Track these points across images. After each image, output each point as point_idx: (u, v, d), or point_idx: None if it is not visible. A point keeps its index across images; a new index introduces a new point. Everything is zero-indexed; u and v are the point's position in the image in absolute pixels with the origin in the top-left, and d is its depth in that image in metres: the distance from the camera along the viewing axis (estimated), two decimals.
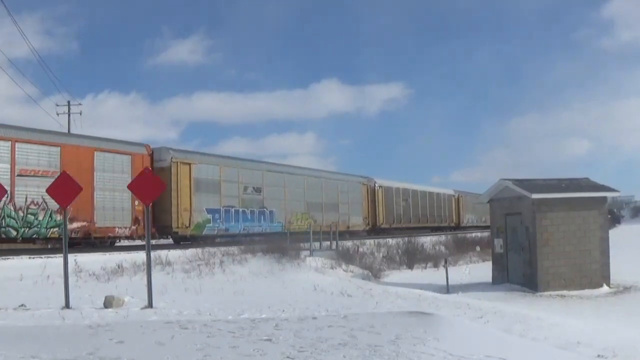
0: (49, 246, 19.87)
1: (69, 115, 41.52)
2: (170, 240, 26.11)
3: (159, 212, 23.47)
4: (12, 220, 18.82)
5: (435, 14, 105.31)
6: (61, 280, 11.25)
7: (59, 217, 19.19)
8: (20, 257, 16.85)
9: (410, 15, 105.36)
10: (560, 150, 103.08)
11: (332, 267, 19.09)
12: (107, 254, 18.57)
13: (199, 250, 19.61)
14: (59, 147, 20.38)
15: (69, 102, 41.98)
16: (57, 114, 41.47)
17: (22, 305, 10.72)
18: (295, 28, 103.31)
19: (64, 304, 10.69)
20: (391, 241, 28.03)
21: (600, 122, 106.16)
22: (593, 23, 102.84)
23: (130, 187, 11.82)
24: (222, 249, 20.31)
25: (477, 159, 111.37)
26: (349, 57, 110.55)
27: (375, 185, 40.67)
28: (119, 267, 15.82)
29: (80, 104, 42.39)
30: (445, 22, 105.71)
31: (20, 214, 19.09)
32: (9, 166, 18.86)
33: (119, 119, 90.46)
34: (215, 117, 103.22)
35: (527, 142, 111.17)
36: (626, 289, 16.92)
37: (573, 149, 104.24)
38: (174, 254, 18.52)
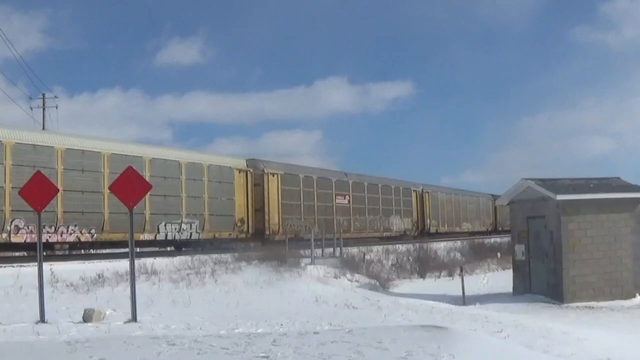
0: None
1: (43, 109, 41.62)
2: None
3: None
4: None
5: (441, 14, 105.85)
6: (35, 292, 11.26)
7: None
8: None
9: (418, 15, 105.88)
10: (577, 149, 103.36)
11: (335, 277, 19.10)
12: (87, 262, 18.59)
13: (188, 258, 19.64)
14: None
15: (43, 95, 42.13)
16: (31, 108, 41.59)
17: None
18: (297, 26, 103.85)
19: (38, 318, 10.70)
20: (401, 247, 28.04)
21: (618, 120, 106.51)
22: (598, 20, 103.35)
23: (112, 188, 11.82)
24: (214, 256, 20.34)
25: (487, 160, 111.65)
26: (353, 55, 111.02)
27: None
28: (99, 276, 15.83)
29: (56, 97, 42.49)
30: (452, 24, 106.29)
31: None
32: None
33: (114, 118, 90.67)
34: (215, 116, 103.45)
35: (539, 141, 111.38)
36: None
37: (590, 148, 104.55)
38: (161, 262, 18.55)
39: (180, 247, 26.42)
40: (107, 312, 11.36)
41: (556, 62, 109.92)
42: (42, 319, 10.68)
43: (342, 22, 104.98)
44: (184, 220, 25.60)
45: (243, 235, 28.66)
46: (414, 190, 44.61)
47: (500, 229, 56.27)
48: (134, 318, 10.78)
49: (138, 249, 24.92)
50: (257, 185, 29.86)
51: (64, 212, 21.12)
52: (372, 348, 8.05)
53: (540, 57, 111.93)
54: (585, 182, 18.15)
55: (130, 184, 11.29)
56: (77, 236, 21.77)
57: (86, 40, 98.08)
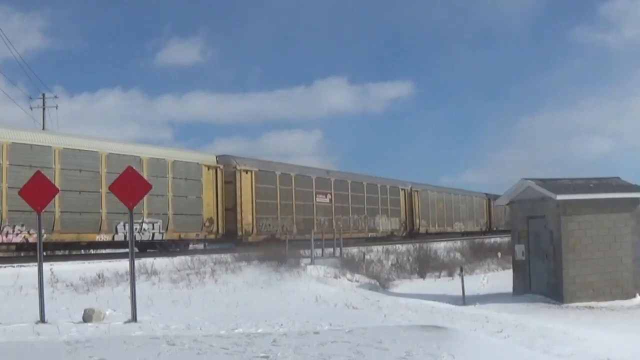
0: None
1: (43, 109, 41.68)
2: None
3: None
4: None
5: (441, 14, 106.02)
6: (35, 292, 11.26)
7: None
8: None
9: (418, 15, 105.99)
10: (577, 149, 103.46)
11: (335, 277, 19.11)
12: (87, 262, 18.59)
13: (188, 258, 19.64)
14: None
15: (43, 95, 42.16)
16: (31, 108, 41.66)
17: None
18: (297, 26, 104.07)
19: (38, 318, 10.70)
20: (401, 247, 28.03)
21: (618, 120, 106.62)
22: (598, 20, 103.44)
23: (112, 188, 11.82)
24: (214, 256, 20.35)
25: (487, 160, 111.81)
26: (352, 55, 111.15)
27: None
28: (99, 277, 15.84)
29: (56, 97, 42.55)
30: (451, 24, 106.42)
31: None
32: None
33: (114, 118, 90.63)
34: (215, 116, 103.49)
35: (539, 141, 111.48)
36: None
37: (590, 148, 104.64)
38: (161, 262, 18.55)
39: (144, 249, 24.61)
40: (107, 312, 11.36)
41: (556, 62, 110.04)
42: (42, 319, 10.68)
43: (342, 22, 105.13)
44: (145, 220, 23.65)
45: (212, 236, 27.04)
46: (402, 189, 42.69)
47: (495, 229, 54.88)
48: (134, 318, 10.78)
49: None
50: (229, 182, 27.82)
51: (9, 210, 19.30)
52: (372, 348, 8.05)
53: (540, 57, 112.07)
54: (585, 182, 18.16)
55: (130, 184, 11.30)
56: (24, 237, 19.90)
57: (86, 40, 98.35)
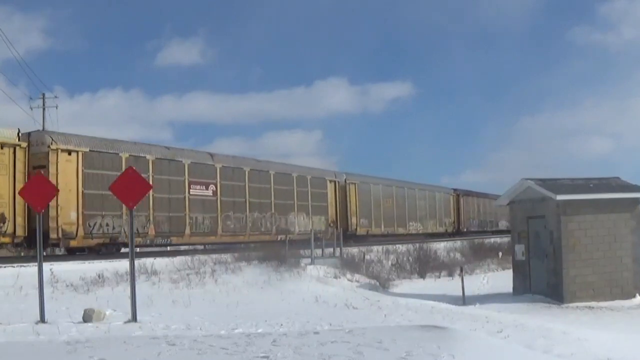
0: None
1: (43, 109, 41.73)
2: None
3: None
4: None
5: (440, 15, 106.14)
6: (35, 292, 11.27)
7: None
8: None
9: (418, 16, 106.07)
10: (577, 149, 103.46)
11: (335, 277, 19.10)
12: (87, 262, 18.59)
13: (188, 258, 19.64)
14: None
15: (43, 95, 42.21)
16: (31, 108, 41.69)
17: None
18: (297, 27, 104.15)
19: (38, 318, 10.71)
20: (401, 247, 28.05)
21: (618, 120, 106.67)
22: (597, 21, 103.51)
23: (112, 188, 11.82)
24: (214, 256, 20.35)
25: (487, 160, 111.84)
26: (352, 56, 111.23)
27: None
28: (99, 277, 15.84)
29: (56, 97, 42.57)
30: (451, 24, 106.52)
31: None
32: None
33: (114, 118, 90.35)
34: (215, 116, 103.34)
35: (539, 141, 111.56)
36: None
37: (590, 148, 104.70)
38: (161, 262, 18.55)
39: None
40: (107, 312, 11.36)
41: (556, 62, 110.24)
42: (42, 319, 10.69)
43: (342, 22, 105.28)
44: None
45: (6, 240, 20.35)
46: (330, 181, 35.47)
47: (465, 230, 48.91)
48: (134, 318, 10.78)
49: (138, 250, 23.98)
50: (40, 167, 20.83)
51: None
52: (372, 348, 8.05)
53: (540, 57, 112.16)
54: (585, 182, 18.15)
55: (130, 184, 11.30)
56: None
57: (86, 40, 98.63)
